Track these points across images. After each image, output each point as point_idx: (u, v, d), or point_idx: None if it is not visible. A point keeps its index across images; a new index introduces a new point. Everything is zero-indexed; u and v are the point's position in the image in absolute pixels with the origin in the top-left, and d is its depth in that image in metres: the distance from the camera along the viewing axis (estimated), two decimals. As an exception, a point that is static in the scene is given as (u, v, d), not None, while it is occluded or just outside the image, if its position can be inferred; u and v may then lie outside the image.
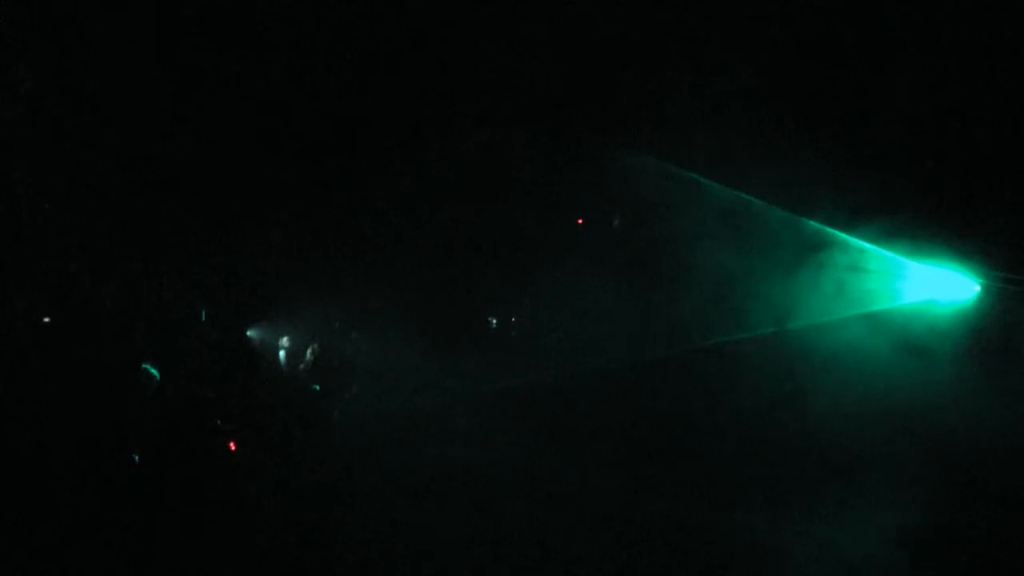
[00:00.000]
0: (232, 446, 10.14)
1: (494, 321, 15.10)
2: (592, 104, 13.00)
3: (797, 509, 11.80)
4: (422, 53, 11.91)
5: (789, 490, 12.28)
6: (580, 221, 15.04)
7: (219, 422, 10.25)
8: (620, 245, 14.85)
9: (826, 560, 10.83)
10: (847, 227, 15.90)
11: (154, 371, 10.36)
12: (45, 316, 10.09)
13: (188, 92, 10.87)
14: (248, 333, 12.60)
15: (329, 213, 12.73)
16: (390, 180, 12.81)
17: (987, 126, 13.02)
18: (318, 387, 12.40)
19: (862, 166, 13.61)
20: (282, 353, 13.29)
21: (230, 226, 11.67)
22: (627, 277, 14.28)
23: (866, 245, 16.63)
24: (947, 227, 14.75)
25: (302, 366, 13.01)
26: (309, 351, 13.09)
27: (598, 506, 11.72)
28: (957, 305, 14.73)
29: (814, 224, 15.93)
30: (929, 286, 16.58)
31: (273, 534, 10.26)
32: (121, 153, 10.50)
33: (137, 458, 9.60)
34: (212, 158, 11.07)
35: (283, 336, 13.27)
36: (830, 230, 16.12)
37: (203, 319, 11.79)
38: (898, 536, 11.14)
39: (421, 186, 13.16)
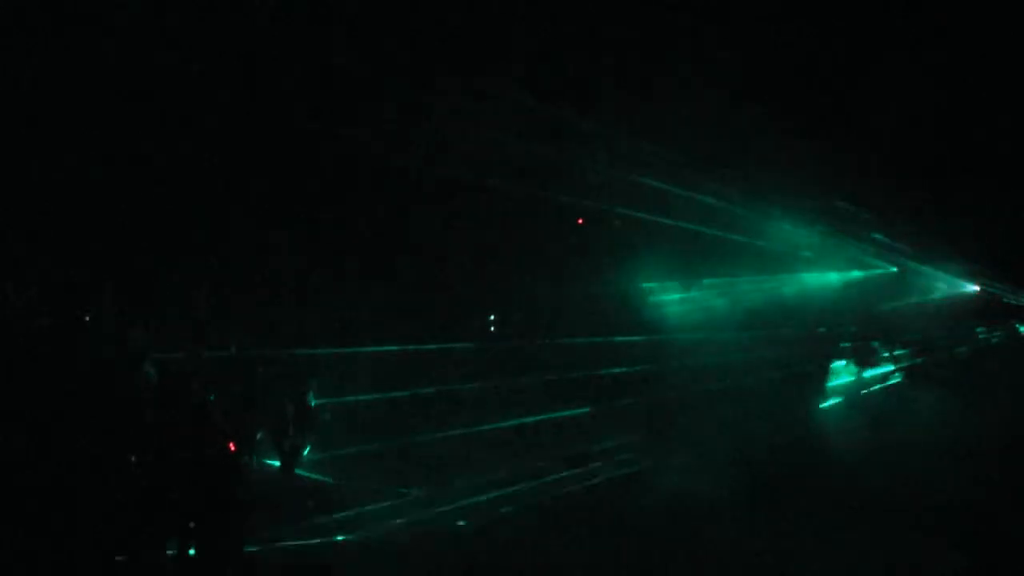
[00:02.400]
0: (232, 447, 10.08)
1: (492, 318, 15.08)
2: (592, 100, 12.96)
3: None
4: (420, 52, 11.84)
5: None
6: (580, 221, 15.03)
7: (218, 423, 10.20)
8: (621, 243, 14.87)
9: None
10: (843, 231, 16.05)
11: (152, 372, 10.32)
12: (45, 316, 10.04)
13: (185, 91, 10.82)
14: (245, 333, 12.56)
15: (325, 213, 12.70)
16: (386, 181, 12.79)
17: (981, 125, 13.07)
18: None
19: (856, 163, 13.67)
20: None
21: (228, 227, 11.64)
22: (628, 275, 14.31)
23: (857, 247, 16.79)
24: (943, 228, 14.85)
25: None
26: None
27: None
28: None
29: (808, 223, 16.02)
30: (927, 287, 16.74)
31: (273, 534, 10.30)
32: (121, 152, 10.47)
33: (135, 458, 9.55)
34: (210, 158, 11.04)
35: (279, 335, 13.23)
36: (823, 229, 16.23)
37: (201, 319, 11.78)
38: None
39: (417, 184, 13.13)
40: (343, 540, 10.97)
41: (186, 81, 10.72)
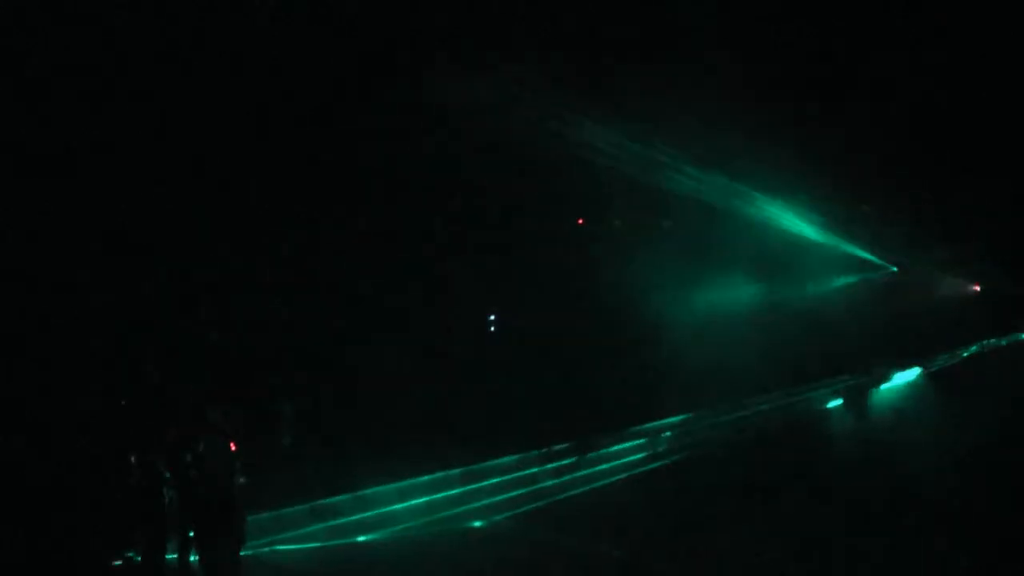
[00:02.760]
0: (233, 446, 10.09)
1: (492, 317, 15.08)
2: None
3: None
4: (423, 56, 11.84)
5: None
6: (580, 221, 15.06)
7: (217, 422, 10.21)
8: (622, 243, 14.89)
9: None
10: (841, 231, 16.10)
11: (153, 372, 10.33)
12: (48, 316, 10.06)
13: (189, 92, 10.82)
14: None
15: (327, 213, 12.70)
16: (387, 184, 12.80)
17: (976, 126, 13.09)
18: None
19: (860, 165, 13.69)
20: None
21: (228, 226, 11.64)
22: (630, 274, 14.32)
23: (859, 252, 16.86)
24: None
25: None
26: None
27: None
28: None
29: (806, 226, 16.07)
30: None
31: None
32: (122, 152, 10.47)
33: (134, 458, 9.56)
34: (211, 160, 11.05)
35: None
36: (820, 231, 16.29)
37: (201, 318, 11.77)
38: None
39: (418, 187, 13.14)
40: (363, 541, 11.01)
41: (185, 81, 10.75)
